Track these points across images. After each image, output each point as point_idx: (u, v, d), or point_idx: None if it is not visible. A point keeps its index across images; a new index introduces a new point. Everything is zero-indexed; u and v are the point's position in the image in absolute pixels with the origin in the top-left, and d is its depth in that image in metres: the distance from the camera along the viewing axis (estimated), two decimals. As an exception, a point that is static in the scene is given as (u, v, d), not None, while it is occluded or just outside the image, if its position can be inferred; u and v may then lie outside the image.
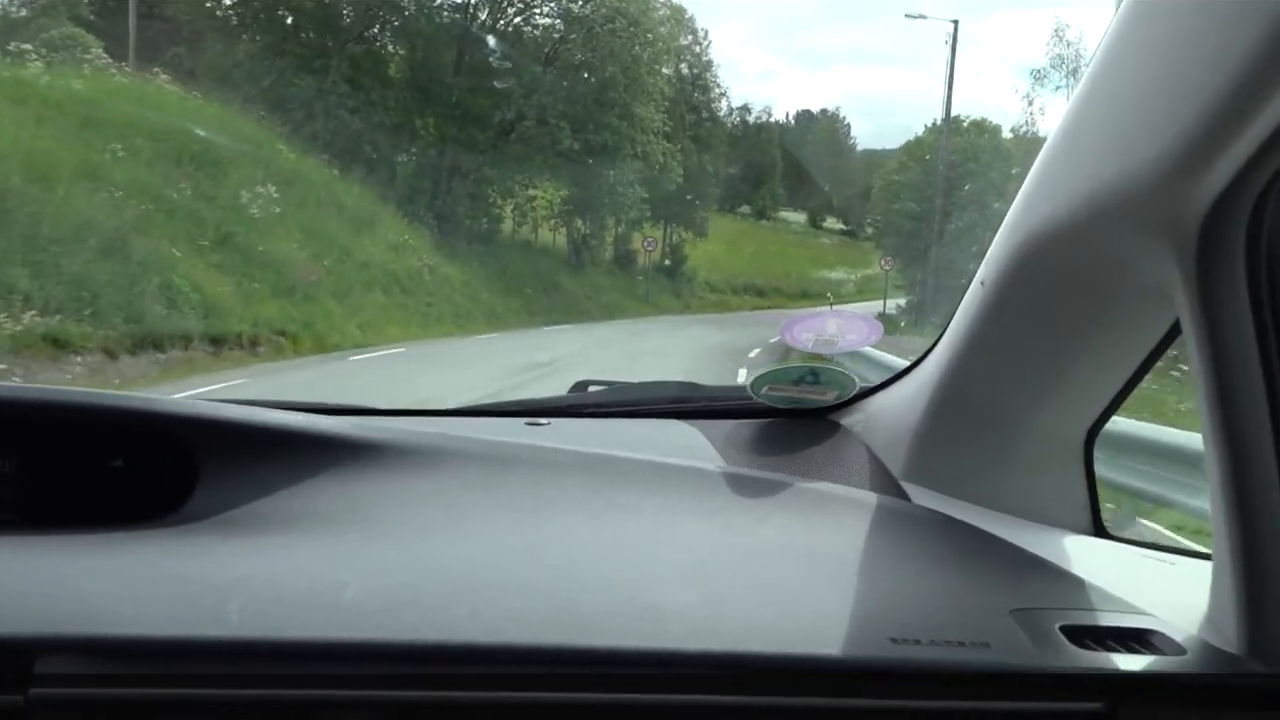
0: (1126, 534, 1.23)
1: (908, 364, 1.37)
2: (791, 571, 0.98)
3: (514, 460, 1.18)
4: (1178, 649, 0.84)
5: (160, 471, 1.04)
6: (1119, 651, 0.84)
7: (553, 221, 29.46)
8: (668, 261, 35.55)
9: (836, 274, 47.43)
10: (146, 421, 1.06)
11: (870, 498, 1.21)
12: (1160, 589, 0.99)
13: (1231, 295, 0.78)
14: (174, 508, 0.99)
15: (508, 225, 27.91)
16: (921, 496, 1.24)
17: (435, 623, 0.80)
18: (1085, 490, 1.20)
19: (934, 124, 29.55)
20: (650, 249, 32.15)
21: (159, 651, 0.75)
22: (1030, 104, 24.06)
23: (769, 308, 36.34)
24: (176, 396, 1.16)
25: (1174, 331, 0.98)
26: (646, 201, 28.95)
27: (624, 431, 1.44)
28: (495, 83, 25.57)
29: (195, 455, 1.04)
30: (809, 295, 41.46)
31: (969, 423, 1.22)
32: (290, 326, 13.69)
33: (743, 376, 2.40)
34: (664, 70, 30.08)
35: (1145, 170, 0.79)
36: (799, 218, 64.65)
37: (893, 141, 68.42)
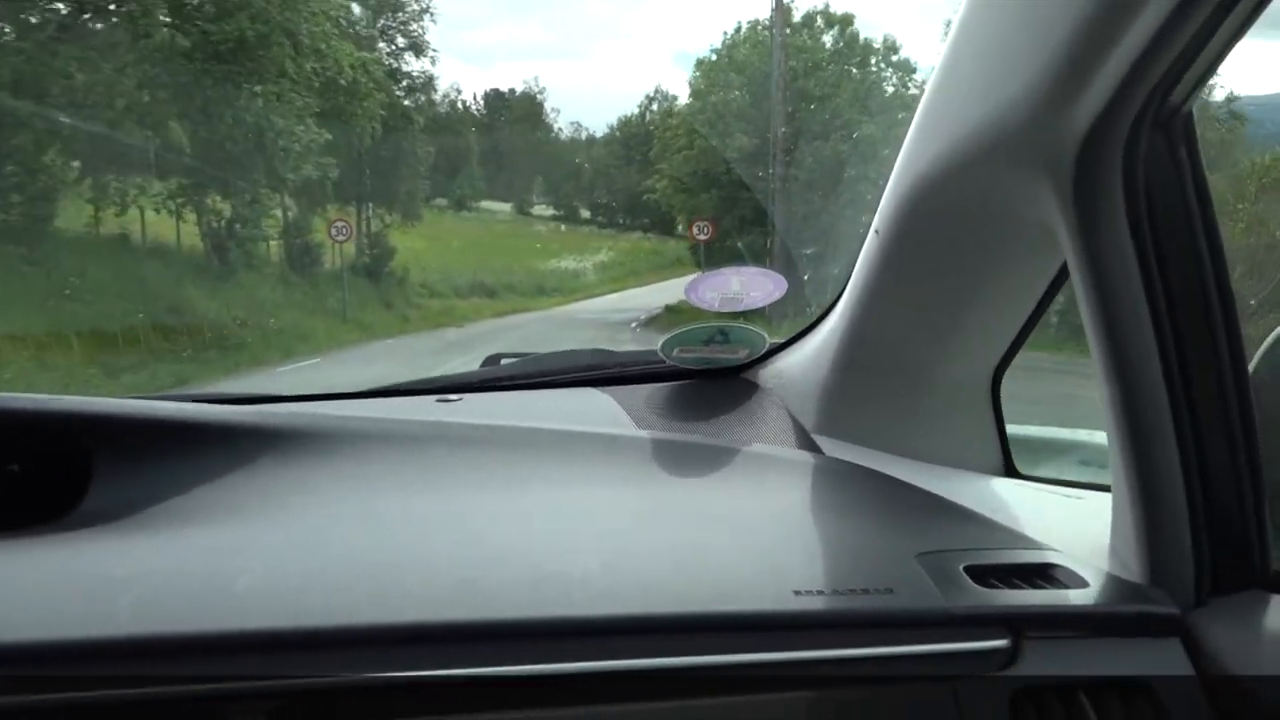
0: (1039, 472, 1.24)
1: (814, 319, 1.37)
2: (699, 532, 0.98)
3: (423, 438, 1.16)
4: (1080, 582, 0.88)
5: (56, 472, 1.01)
6: (1022, 588, 0.87)
7: (173, 201, 17.13)
8: (367, 258, 24.57)
9: (566, 263, 39.53)
10: (38, 422, 1.02)
11: (782, 453, 1.23)
12: (1067, 524, 1.03)
13: (1111, 228, 0.80)
14: (70, 508, 0.96)
15: (78, 209, 15.52)
16: (835, 449, 1.25)
17: (331, 607, 0.79)
18: (995, 431, 1.22)
19: (743, 27, 20.76)
20: (341, 238, 20.68)
21: (44, 655, 0.73)
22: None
23: (509, 311, 27.02)
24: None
25: (1067, 268, 0.95)
26: (331, 153, 17.36)
27: (537, 403, 1.43)
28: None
29: (89, 453, 1.00)
30: (546, 291, 33.38)
31: (875, 372, 1.23)
32: None
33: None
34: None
35: (1017, 106, 0.82)
36: (504, 207, 57.08)
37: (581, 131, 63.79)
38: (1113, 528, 0.91)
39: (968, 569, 0.87)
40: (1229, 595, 0.83)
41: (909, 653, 0.80)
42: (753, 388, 1.41)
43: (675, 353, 1.38)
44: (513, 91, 66.27)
